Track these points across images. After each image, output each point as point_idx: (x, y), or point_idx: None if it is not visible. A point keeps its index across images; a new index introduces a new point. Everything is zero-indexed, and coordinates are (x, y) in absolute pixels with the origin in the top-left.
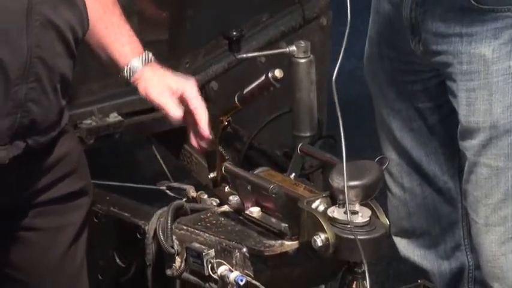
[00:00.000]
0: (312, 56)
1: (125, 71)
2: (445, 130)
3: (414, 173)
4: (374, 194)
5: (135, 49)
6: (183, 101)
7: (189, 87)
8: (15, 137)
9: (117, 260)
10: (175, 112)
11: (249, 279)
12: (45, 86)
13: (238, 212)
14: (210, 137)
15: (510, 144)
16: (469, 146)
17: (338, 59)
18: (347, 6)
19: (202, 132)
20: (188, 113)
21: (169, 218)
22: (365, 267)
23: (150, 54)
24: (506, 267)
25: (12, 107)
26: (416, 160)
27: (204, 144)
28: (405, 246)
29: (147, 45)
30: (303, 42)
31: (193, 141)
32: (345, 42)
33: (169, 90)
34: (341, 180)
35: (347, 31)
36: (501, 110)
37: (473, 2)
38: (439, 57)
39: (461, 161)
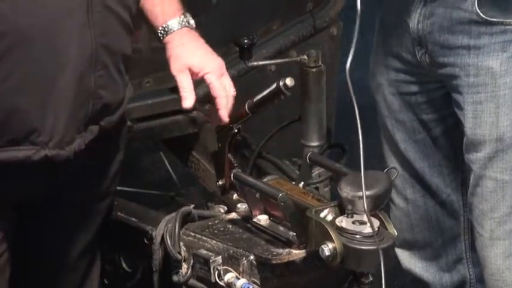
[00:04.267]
0: (322, 65)
1: (158, 32)
2: (449, 142)
3: (417, 185)
4: (383, 205)
5: (167, 10)
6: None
7: (213, 69)
8: (89, 123)
9: (124, 265)
10: (186, 103)
11: (255, 287)
12: (111, 71)
13: (246, 219)
14: (227, 121)
15: None
16: (475, 159)
17: (351, 48)
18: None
19: (222, 117)
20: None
21: (177, 224)
22: (382, 277)
23: (189, 18)
24: (511, 280)
25: (84, 97)
26: (419, 172)
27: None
28: (407, 258)
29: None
30: (314, 52)
31: (213, 119)
32: (356, 31)
33: (191, 69)
34: (350, 190)
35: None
36: (508, 123)
37: (481, 14)
38: (446, 69)
39: (464, 174)
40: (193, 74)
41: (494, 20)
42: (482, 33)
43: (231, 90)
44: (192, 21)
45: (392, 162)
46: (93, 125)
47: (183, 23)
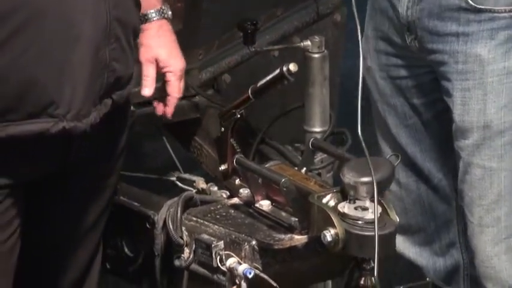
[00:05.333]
0: (325, 51)
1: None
2: (440, 127)
3: (409, 170)
4: (385, 191)
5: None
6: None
7: (175, 69)
8: (103, 96)
9: (126, 250)
10: (145, 92)
11: (257, 272)
12: (123, 43)
13: (248, 204)
14: (169, 117)
15: (503, 145)
16: (463, 145)
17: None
18: None
19: (166, 112)
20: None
21: (179, 208)
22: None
23: (168, 10)
24: (499, 267)
25: (100, 69)
26: (411, 156)
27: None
28: (401, 243)
29: None
30: (317, 37)
31: (158, 108)
32: None
33: (157, 62)
34: (352, 176)
35: None
36: (495, 110)
37: (470, 1)
38: (435, 55)
39: (456, 159)
40: (157, 66)
41: (482, 7)
42: (471, 20)
43: (181, 93)
44: (169, 13)
45: (385, 146)
46: (107, 99)
47: (163, 14)
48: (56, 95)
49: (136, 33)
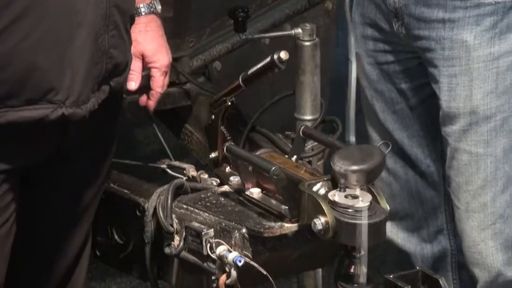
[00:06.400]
0: (317, 39)
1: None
2: (427, 113)
3: (397, 156)
4: (375, 179)
5: None
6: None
7: (161, 65)
8: (101, 82)
9: (116, 237)
10: (131, 85)
11: (247, 260)
12: (121, 31)
13: (239, 192)
14: (152, 110)
15: (489, 131)
16: (450, 131)
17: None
18: None
19: (149, 105)
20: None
21: (170, 196)
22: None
23: (157, 4)
24: (486, 253)
25: (99, 56)
26: (398, 142)
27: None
28: (389, 228)
29: None
30: (308, 25)
31: (142, 99)
32: None
33: (143, 57)
34: (343, 164)
35: None
36: (481, 96)
37: None
38: (421, 42)
39: (444, 145)
40: (143, 61)
41: None
42: (457, 6)
43: (164, 88)
44: (159, 7)
45: (373, 132)
46: (104, 85)
47: (152, 9)
48: (56, 81)
49: (133, 21)
